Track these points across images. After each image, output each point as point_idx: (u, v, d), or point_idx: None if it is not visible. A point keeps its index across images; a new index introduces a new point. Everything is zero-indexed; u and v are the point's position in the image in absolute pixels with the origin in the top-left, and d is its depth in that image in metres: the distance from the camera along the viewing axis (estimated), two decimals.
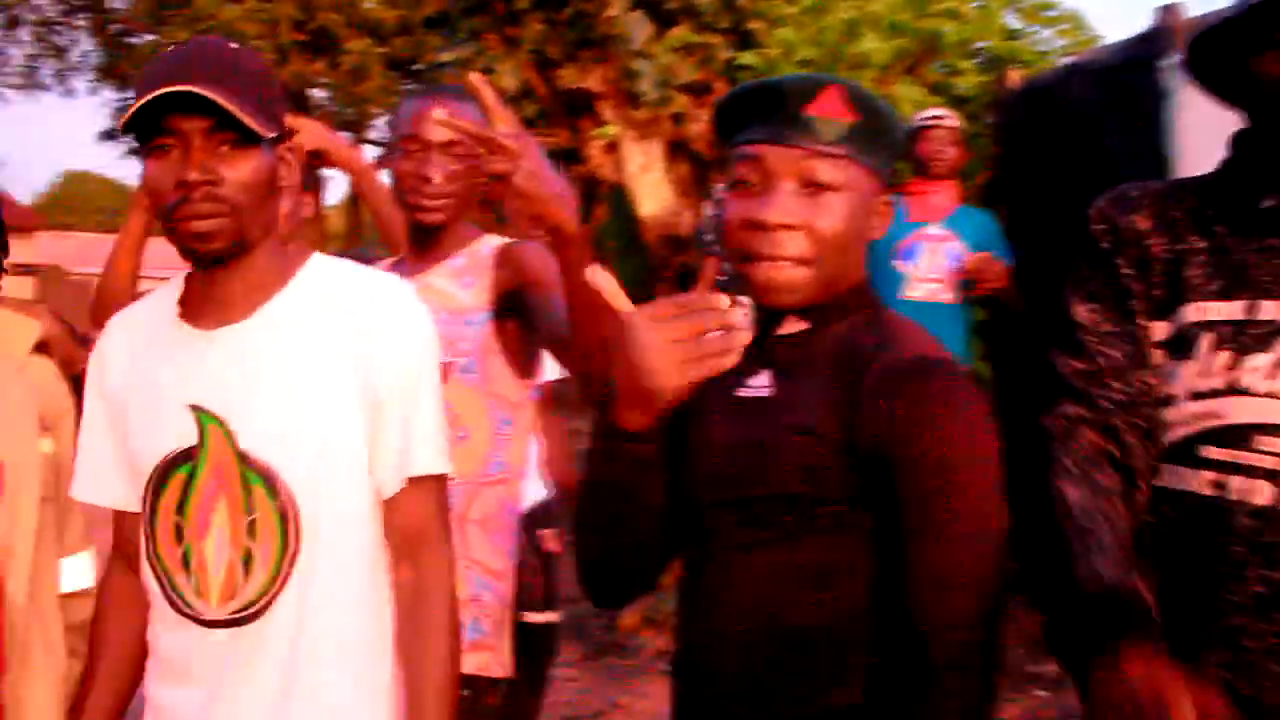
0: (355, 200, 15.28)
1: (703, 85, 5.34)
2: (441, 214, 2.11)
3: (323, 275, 1.67)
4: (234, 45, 1.70)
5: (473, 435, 2.09)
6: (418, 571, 1.64)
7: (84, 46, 12.71)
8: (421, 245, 2.17)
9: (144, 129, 1.52)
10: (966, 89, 5.61)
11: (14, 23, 11.61)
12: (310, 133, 2.61)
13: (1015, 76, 5.26)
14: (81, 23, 12.80)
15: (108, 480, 1.73)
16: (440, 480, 1.69)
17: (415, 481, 1.64)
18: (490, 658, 2.07)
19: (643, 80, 4.90)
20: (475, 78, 1.78)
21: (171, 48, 1.64)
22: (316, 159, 2.68)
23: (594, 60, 5.17)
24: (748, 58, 5.35)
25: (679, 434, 1.50)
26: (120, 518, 1.75)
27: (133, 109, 1.49)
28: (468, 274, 2.13)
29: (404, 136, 2.12)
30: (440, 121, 1.94)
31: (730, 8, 5.50)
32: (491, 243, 2.17)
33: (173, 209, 1.51)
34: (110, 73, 11.45)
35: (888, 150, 1.50)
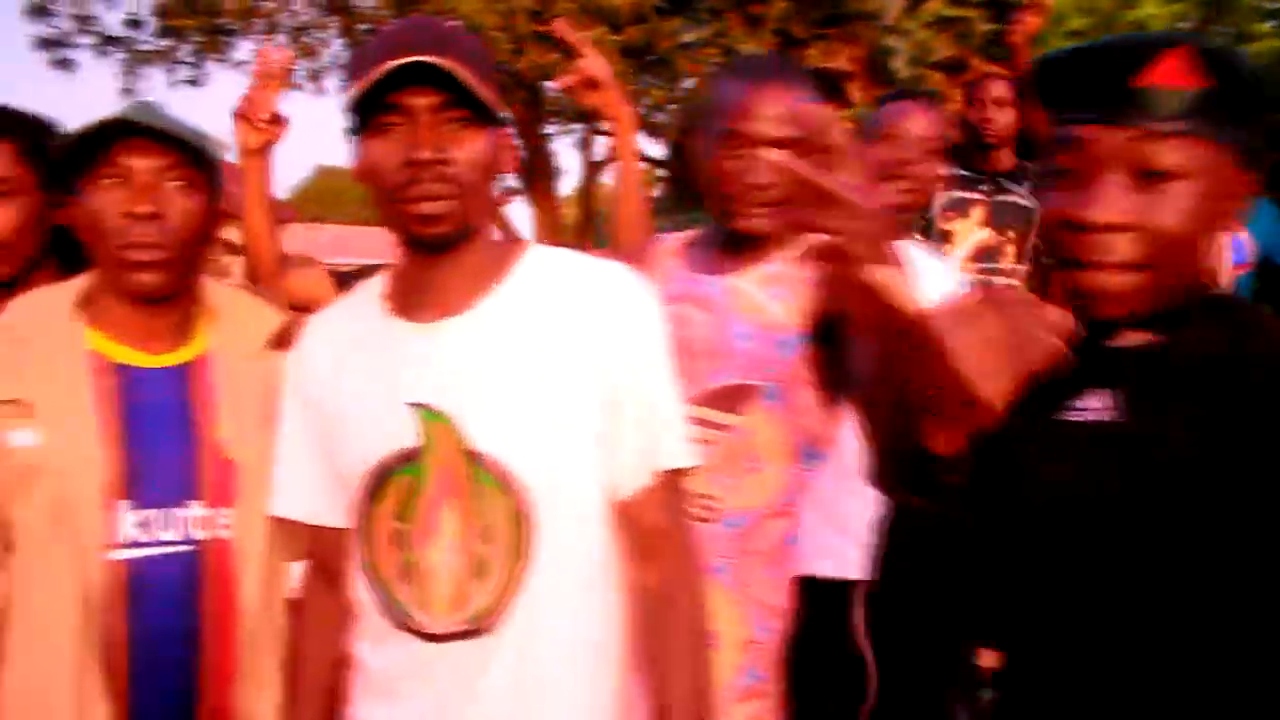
0: (587, 191, 15.40)
1: (958, 62, 4.96)
2: (769, 222, 1.85)
3: (545, 264, 1.54)
4: (455, 23, 1.58)
5: (766, 469, 1.88)
6: (662, 573, 1.53)
7: (334, 49, 13.21)
8: (733, 244, 1.93)
9: (366, 108, 1.40)
10: (1261, 55, 5.01)
11: (273, 29, 12.18)
12: (596, 62, 2.38)
13: None
14: (332, 25, 13.34)
15: (306, 492, 1.64)
16: (683, 475, 1.55)
17: (659, 477, 1.51)
18: (761, 706, 1.86)
19: (896, 58, 4.58)
20: (809, 110, 1.50)
21: (392, 25, 1.50)
22: (590, 88, 2.46)
23: (842, 38, 4.88)
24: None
25: (993, 474, 1.26)
26: (318, 532, 1.65)
27: (365, 83, 1.37)
28: (781, 283, 1.88)
29: (724, 132, 1.85)
30: (772, 164, 1.67)
31: None
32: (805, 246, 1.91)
33: (399, 190, 1.40)
34: None
35: (1251, 119, 1.19)
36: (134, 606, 1.59)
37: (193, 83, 12.76)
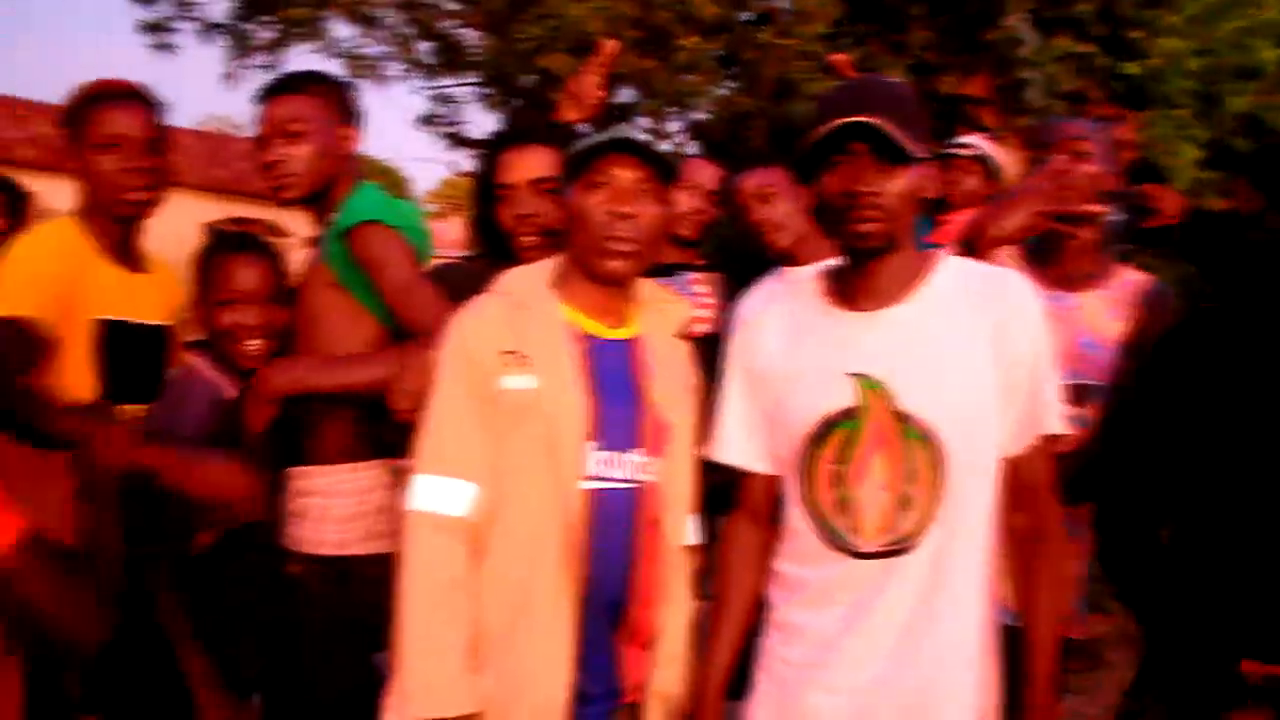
0: None
1: (1080, 94, 5.39)
2: (1086, 233, 2.31)
3: (956, 268, 1.96)
4: (895, 80, 2.00)
5: None
6: (1034, 519, 1.94)
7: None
8: (1051, 261, 2.39)
9: (819, 150, 1.85)
10: None
11: (355, 17, 12.48)
12: None
13: None
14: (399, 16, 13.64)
15: (743, 442, 2.07)
16: (1057, 441, 1.94)
17: (1040, 440, 1.91)
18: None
19: (1030, 88, 4.98)
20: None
21: (842, 84, 1.96)
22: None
23: (975, 68, 5.28)
24: (1130, 67, 5.34)
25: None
26: (750, 477, 2.08)
27: (820, 132, 1.82)
28: (1117, 306, 2.33)
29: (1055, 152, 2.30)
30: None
31: (1109, 17, 5.50)
32: (1128, 276, 2.37)
33: (841, 213, 1.85)
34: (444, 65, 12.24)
35: None
36: (593, 528, 1.99)
37: (269, 69, 13.17)
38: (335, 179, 2.52)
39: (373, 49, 12.33)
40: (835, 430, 1.88)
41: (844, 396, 1.87)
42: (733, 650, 2.06)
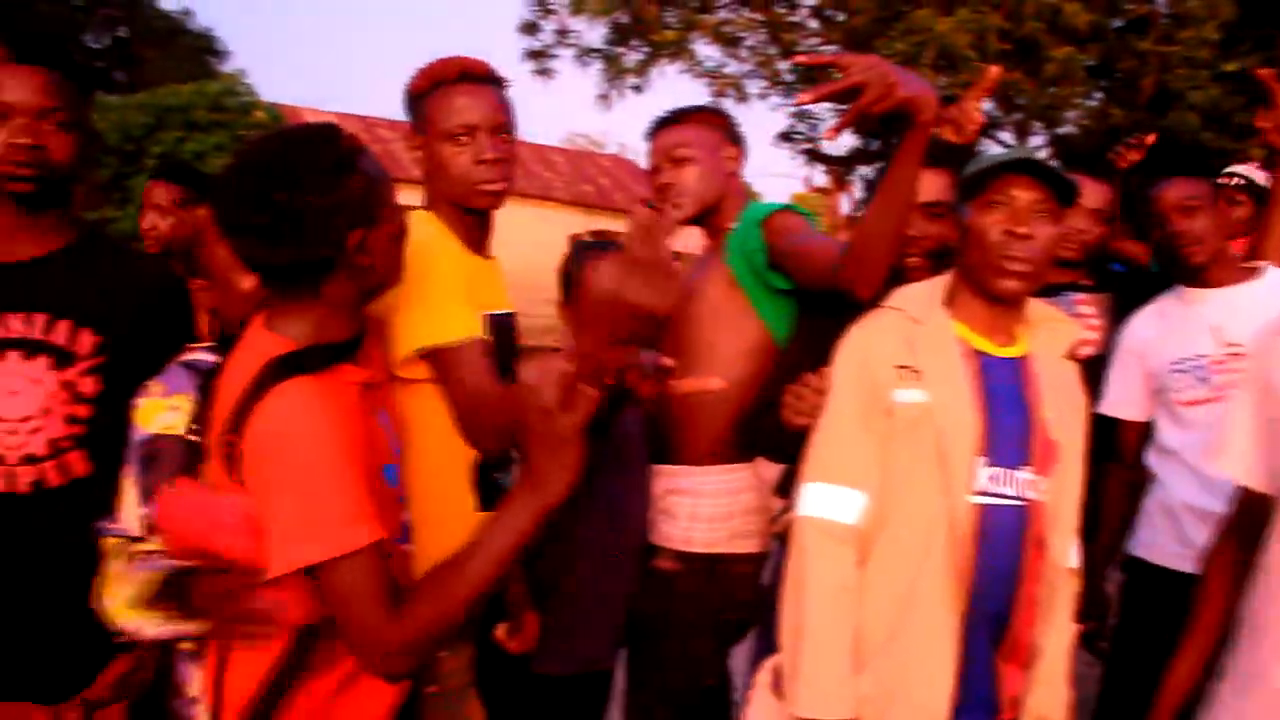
0: None
1: None
2: None
3: None
4: None
5: None
6: None
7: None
8: None
9: None
10: None
11: (720, 39, 12.94)
12: None
13: None
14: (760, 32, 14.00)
15: (1249, 459, 1.91)
16: None
17: None
18: None
19: None
20: None
21: None
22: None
23: None
24: None
25: None
26: (1248, 496, 1.92)
27: None
28: None
29: None
30: None
31: None
32: None
33: None
34: (804, 83, 12.47)
35: None
36: (979, 543, 2.00)
37: (637, 89, 13.87)
38: (723, 196, 2.69)
39: (735, 68, 12.72)
40: None
41: None
42: (1192, 678, 1.95)
